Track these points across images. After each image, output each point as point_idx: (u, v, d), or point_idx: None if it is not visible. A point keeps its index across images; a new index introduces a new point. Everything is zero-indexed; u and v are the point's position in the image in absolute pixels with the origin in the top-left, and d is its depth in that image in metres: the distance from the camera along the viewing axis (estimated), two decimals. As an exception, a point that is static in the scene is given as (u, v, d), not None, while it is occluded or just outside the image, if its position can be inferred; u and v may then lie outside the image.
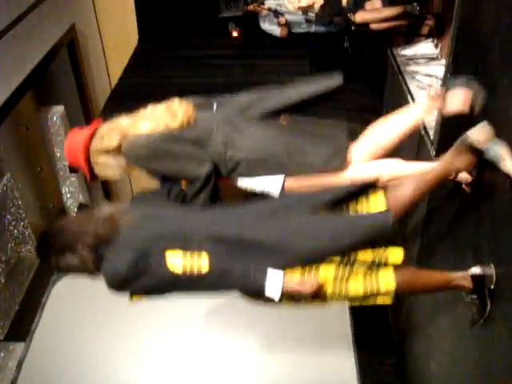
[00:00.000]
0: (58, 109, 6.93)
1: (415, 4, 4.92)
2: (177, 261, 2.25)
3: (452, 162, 2.50)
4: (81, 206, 6.84)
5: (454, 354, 3.11)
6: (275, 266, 2.27)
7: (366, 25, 5.13)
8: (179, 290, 2.39)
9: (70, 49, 7.10)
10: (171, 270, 2.25)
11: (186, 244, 2.27)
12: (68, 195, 7.24)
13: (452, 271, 2.71)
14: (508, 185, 2.31)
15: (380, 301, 2.49)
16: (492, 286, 2.48)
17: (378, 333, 4.85)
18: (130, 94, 6.88)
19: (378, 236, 2.42)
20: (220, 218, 2.43)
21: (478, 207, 2.66)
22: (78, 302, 5.54)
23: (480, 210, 2.64)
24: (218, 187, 2.62)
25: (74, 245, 2.36)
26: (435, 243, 3.47)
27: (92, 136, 2.60)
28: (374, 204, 2.50)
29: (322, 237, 2.35)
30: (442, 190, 3.28)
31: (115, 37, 7.66)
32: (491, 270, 2.48)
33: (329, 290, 2.39)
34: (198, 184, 2.52)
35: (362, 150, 2.78)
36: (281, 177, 2.64)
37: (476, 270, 2.57)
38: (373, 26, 5.09)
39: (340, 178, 2.65)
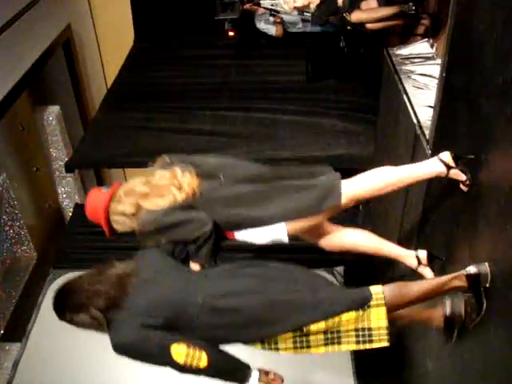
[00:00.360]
0: (54, 109, 6.92)
1: (411, 4, 4.93)
2: (181, 351, 2.50)
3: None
4: (77, 206, 6.83)
5: (450, 353, 3.11)
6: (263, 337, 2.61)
7: (361, 24, 5.13)
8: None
9: (65, 49, 7.10)
10: (174, 358, 2.51)
11: (183, 317, 2.55)
12: (64, 195, 7.24)
13: (443, 275, 2.76)
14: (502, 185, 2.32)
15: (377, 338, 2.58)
16: (487, 285, 2.49)
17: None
18: (126, 94, 6.88)
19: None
20: (217, 288, 2.64)
21: (474, 207, 2.67)
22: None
23: (475, 209, 2.64)
24: (219, 242, 2.88)
25: (87, 306, 2.58)
26: (431, 242, 3.48)
27: (111, 199, 2.88)
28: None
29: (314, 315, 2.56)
30: (437, 189, 3.29)
31: (111, 37, 7.66)
32: (486, 269, 2.50)
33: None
34: (200, 242, 2.77)
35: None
36: (282, 224, 2.87)
37: (471, 269, 2.59)
38: (368, 26, 5.09)
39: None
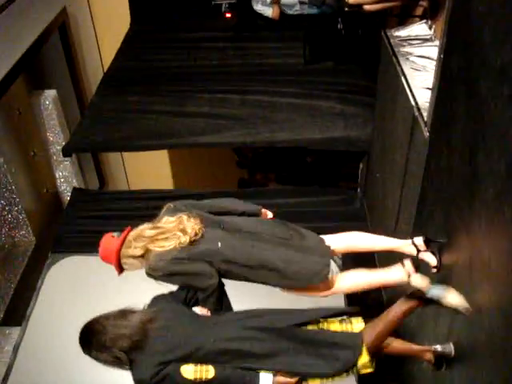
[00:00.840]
0: (51, 93, 6.89)
1: (409, -15, 4.89)
2: (189, 369, 2.86)
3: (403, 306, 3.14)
4: (75, 190, 6.83)
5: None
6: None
7: (359, 6, 5.09)
8: None
9: (61, 32, 7.05)
10: (185, 377, 2.85)
11: (196, 354, 2.89)
12: (62, 180, 7.23)
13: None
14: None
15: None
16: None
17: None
18: (123, 78, 6.84)
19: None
20: (222, 334, 2.98)
21: (471, 189, 2.67)
22: (72, 286, 5.56)
23: (473, 192, 2.65)
24: (224, 292, 3.24)
25: (111, 347, 2.90)
26: (430, 224, 3.49)
27: (122, 244, 3.21)
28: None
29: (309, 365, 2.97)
30: (435, 171, 3.29)
31: (107, 20, 7.62)
32: (451, 350, 3.09)
33: None
34: (207, 292, 3.10)
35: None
36: None
37: (438, 347, 3.18)
38: (366, 8, 5.05)
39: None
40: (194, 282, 3.13)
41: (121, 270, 3.32)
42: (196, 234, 3.11)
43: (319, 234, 5.62)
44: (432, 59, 4.15)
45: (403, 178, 4.14)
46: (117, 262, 3.25)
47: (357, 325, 3.16)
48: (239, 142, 5.98)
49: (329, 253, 3.46)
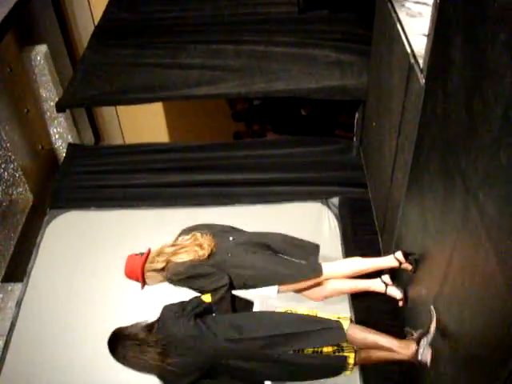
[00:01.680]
0: (42, 48, 6.78)
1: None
2: None
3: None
4: (70, 146, 6.80)
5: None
6: None
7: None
8: None
9: (49, -16, 6.90)
10: None
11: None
12: (56, 136, 7.18)
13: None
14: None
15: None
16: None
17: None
18: (115, 30, 6.75)
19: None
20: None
21: (468, 134, 2.67)
22: (71, 241, 5.62)
23: (469, 136, 2.65)
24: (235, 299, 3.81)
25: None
26: (425, 172, 3.50)
27: (146, 260, 3.78)
28: None
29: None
30: (431, 118, 3.28)
31: (96, -30, 7.45)
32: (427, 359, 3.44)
33: None
34: (223, 291, 3.64)
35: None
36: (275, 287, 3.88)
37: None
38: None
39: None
40: (208, 281, 3.67)
41: (144, 283, 3.82)
42: (212, 251, 3.75)
43: (315, 185, 5.71)
44: (428, 5, 4.08)
45: (399, 125, 4.13)
46: (141, 276, 3.77)
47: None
48: (234, 93, 5.94)
49: (317, 252, 4.15)
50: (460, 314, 2.93)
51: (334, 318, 3.72)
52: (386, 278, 4.16)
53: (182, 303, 3.61)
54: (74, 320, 5.00)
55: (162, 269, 3.75)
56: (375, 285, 4.17)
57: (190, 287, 3.78)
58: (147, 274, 3.79)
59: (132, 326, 3.58)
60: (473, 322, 2.74)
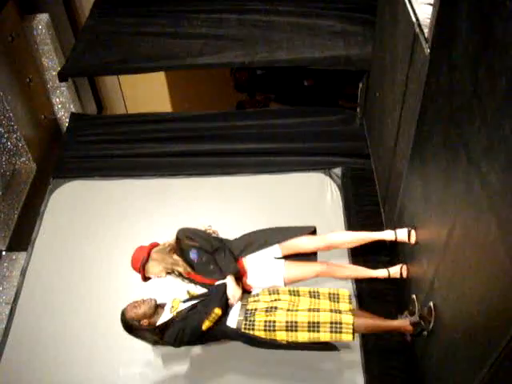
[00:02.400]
0: (43, 17, 6.73)
1: None
2: (207, 323, 3.78)
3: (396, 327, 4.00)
4: (73, 116, 6.79)
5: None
6: None
7: None
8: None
9: (50, -49, 6.82)
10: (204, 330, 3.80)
11: None
12: (59, 106, 7.17)
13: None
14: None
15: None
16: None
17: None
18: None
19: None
20: None
21: (471, 105, 2.66)
22: (74, 210, 5.65)
23: (472, 107, 2.64)
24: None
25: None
26: (429, 142, 3.50)
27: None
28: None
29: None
30: (434, 90, 3.27)
31: None
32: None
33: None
34: (220, 251, 4.07)
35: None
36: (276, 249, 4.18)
37: (415, 318, 3.83)
38: None
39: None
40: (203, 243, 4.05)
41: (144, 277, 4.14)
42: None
43: (318, 155, 5.71)
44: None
45: (403, 96, 4.11)
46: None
47: (343, 305, 3.85)
48: (238, 62, 5.90)
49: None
50: (461, 284, 2.96)
51: (334, 306, 3.84)
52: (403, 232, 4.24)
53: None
54: (78, 288, 5.05)
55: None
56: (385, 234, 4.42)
57: (194, 242, 4.07)
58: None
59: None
60: (473, 292, 2.77)
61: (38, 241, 5.47)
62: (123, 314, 3.94)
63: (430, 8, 3.53)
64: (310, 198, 5.50)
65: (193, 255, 4.02)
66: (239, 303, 3.89)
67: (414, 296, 3.94)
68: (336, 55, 5.67)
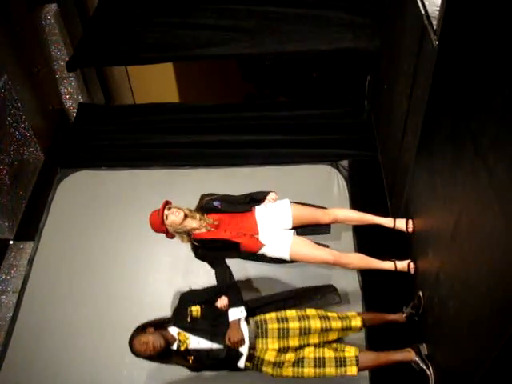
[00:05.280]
0: (52, 7, 6.73)
1: None
2: None
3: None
4: (81, 106, 6.80)
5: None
6: None
7: None
8: None
9: None
10: None
11: None
12: (67, 96, 7.18)
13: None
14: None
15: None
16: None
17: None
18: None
19: None
20: None
21: (479, 99, 2.66)
22: (82, 199, 5.68)
23: (480, 102, 2.63)
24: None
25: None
26: (436, 135, 3.49)
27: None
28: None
29: None
30: (443, 82, 3.26)
31: None
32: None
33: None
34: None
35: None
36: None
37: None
38: None
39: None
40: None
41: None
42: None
43: (326, 148, 5.68)
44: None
45: (411, 88, 4.10)
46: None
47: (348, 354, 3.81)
48: (246, 53, 5.89)
49: None
50: (466, 276, 2.96)
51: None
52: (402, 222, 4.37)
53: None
54: (85, 277, 5.08)
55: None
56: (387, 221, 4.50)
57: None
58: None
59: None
60: (479, 284, 2.77)
61: (45, 230, 5.49)
62: (130, 346, 3.72)
63: (439, 0, 3.52)
64: (317, 189, 5.50)
65: (216, 203, 4.15)
66: (246, 345, 3.74)
67: (420, 293, 3.94)
68: (344, 47, 5.65)
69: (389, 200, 5.17)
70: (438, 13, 3.47)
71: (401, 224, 4.34)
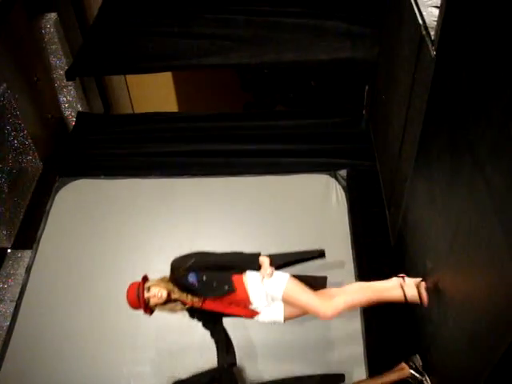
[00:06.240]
0: (52, 16, 6.75)
1: None
2: None
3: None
4: (79, 115, 6.81)
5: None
6: None
7: None
8: None
9: (59, -49, 6.84)
10: None
11: None
12: (66, 105, 7.19)
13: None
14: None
15: None
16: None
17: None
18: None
19: None
20: None
21: (476, 106, 2.66)
22: (80, 208, 5.67)
23: (478, 109, 2.64)
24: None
25: None
26: (434, 145, 3.50)
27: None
28: None
29: None
30: (441, 91, 3.27)
31: None
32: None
33: None
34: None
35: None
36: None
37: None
38: None
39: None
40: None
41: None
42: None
43: (324, 157, 5.65)
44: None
45: (409, 98, 4.12)
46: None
47: None
48: (244, 62, 5.91)
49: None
50: (464, 285, 2.96)
51: None
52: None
53: None
54: (82, 286, 5.07)
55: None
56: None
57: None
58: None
59: None
60: (476, 294, 2.77)
61: (43, 239, 5.49)
62: None
63: (437, 10, 3.54)
64: (316, 199, 5.51)
65: (191, 279, 3.65)
66: None
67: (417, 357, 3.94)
68: (342, 57, 5.66)
69: (387, 209, 5.17)
70: (435, 23, 3.49)
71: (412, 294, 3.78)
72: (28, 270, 5.30)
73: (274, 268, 3.70)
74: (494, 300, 2.52)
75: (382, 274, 4.58)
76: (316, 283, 3.84)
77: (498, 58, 2.39)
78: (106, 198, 5.75)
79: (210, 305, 3.69)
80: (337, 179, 5.67)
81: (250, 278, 3.70)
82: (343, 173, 5.71)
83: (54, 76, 6.99)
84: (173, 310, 3.68)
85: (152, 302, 3.60)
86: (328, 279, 4.28)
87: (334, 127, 6.23)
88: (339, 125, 6.25)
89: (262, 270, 3.68)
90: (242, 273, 3.72)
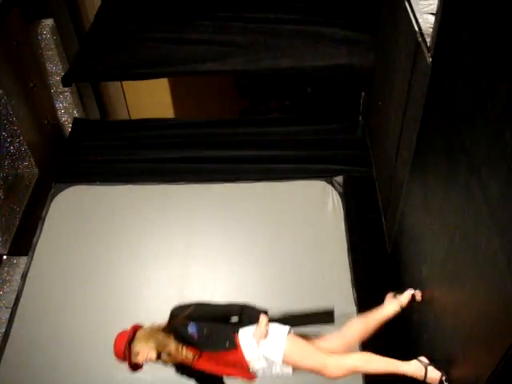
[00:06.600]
0: (48, 22, 6.76)
1: None
2: None
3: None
4: (76, 121, 6.80)
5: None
6: None
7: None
8: None
9: (55, -43, 6.85)
10: None
11: None
12: (62, 111, 7.19)
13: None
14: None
15: None
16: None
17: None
18: (122, 4, 6.69)
19: None
20: None
21: (473, 114, 2.67)
22: (76, 215, 5.66)
23: (474, 116, 2.65)
24: None
25: None
26: (430, 151, 3.50)
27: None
28: None
29: None
30: (436, 97, 3.27)
31: None
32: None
33: None
34: None
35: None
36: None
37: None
38: None
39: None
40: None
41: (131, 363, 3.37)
42: None
43: (320, 163, 5.63)
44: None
45: (405, 104, 4.12)
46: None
47: None
48: (241, 69, 5.92)
49: None
50: (461, 293, 2.95)
51: None
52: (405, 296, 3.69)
53: None
54: (78, 293, 5.05)
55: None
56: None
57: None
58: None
59: None
60: (473, 301, 2.76)
61: (39, 245, 5.47)
62: None
63: (433, 17, 3.55)
64: (312, 205, 5.51)
65: (191, 329, 3.34)
66: None
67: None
68: (339, 64, 5.67)
69: (383, 216, 5.18)
70: (431, 30, 3.50)
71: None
72: (24, 276, 5.28)
73: (268, 326, 3.36)
74: (491, 307, 2.52)
75: (379, 281, 4.59)
76: (323, 320, 3.66)
77: (494, 64, 2.40)
78: (102, 204, 5.75)
79: (204, 363, 3.34)
80: (333, 185, 5.67)
81: (243, 339, 3.35)
82: (339, 179, 5.71)
83: (51, 82, 6.99)
84: (164, 363, 3.37)
85: (143, 365, 3.35)
86: (325, 283, 4.17)
87: (331, 133, 6.23)
88: (335, 131, 6.26)
89: (257, 329, 3.32)
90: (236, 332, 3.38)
